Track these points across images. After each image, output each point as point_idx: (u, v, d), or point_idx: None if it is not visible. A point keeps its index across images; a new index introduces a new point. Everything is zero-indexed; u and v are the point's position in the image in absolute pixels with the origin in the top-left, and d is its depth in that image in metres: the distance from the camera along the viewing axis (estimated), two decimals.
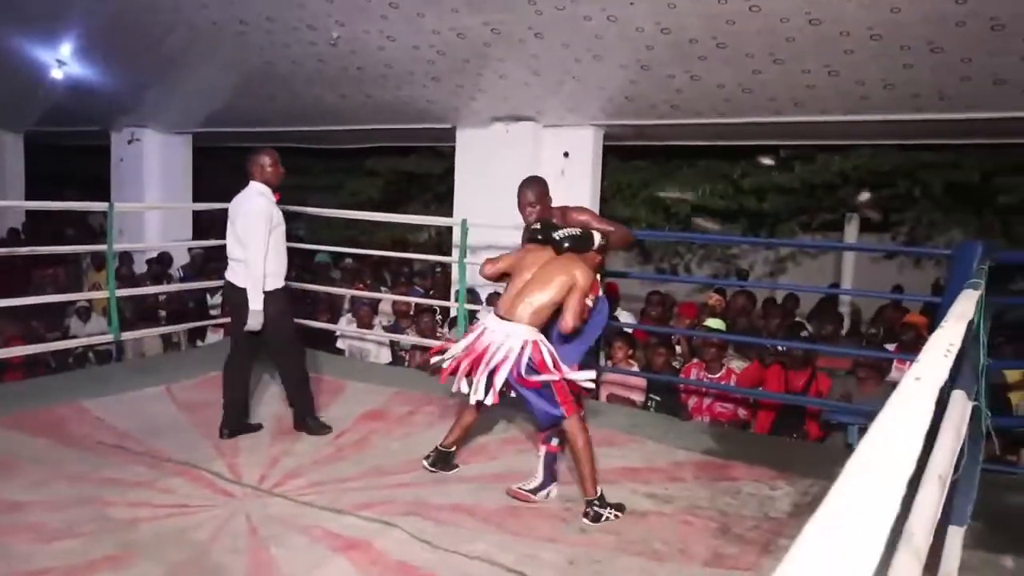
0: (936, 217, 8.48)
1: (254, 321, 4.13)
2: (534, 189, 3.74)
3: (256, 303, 4.11)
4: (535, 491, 3.55)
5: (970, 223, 8.23)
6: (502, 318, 3.47)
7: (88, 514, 3.19)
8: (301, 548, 3.00)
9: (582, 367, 3.54)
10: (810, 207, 9.00)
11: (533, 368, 3.35)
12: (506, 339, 3.37)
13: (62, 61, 8.24)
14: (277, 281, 4.22)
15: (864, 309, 8.10)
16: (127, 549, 2.91)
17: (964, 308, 1.42)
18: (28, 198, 11.72)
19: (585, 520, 3.33)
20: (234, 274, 4.22)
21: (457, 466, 3.87)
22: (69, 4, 7.24)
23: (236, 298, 4.20)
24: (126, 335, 5.98)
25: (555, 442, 3.64)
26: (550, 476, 3.61)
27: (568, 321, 3.38)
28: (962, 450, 2.15)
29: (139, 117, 9.92)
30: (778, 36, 5.24)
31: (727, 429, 4.93)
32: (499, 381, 3.35)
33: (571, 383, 3.40)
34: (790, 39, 5.23)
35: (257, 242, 4.08)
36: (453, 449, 3.85)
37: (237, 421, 4.30)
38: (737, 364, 5.44)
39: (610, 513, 3.36)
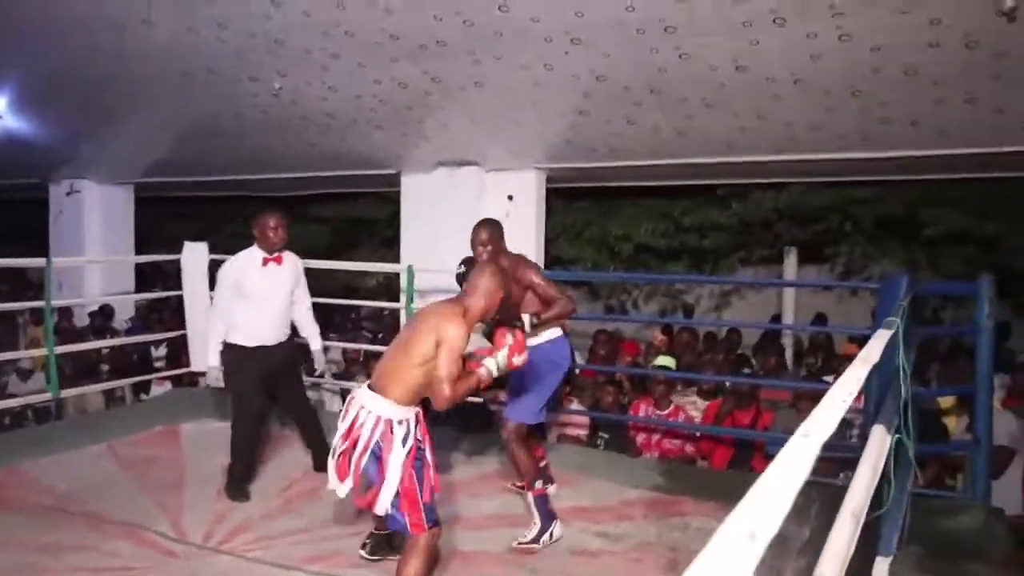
0: (868, 249, 8.80)
1: (211, 376, 4.29)
2: (487, 229, 3.77)
3: (211, 358, 4.26)
4: (537, 539, 3.51)
5: (898, 254, 8.56)
6: (370, 387, 2.87)
7: None
8: None
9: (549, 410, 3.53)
10: (748, 242, 9.26)
11: (376, 456, 2.74)
12: (366, 415, 2.79)
13: None
14: (238, 338, 4.21)
15: (806, 339, 8.33)
16: None
17: (870, 352, 1.52)
18: None
19: None
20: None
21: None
22: (4, 58, 7.16)
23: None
24: (66, 392, 5.83)
25: (539, 484, 3.62)
26: (548, 517, 3.58)
27: (437, 397, 2.75)
28: (889, 482, 2.25)
29: (78, 168, 9.78)
30: (708, 83, 5.46)
31: (676, 465, 4.99)
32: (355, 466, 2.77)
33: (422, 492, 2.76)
34: (720, 85, 5.45)
35: (214, 301, 4.30)
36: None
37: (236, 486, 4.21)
38: (687, 400, 5.55)
39: None
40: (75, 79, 7.27)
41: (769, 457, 4.82)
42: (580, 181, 8.28)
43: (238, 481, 4.19)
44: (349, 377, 6.55)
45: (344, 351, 6.98)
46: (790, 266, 9.18)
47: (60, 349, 5.86)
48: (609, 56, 5.36)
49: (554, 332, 3.78)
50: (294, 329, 4.51)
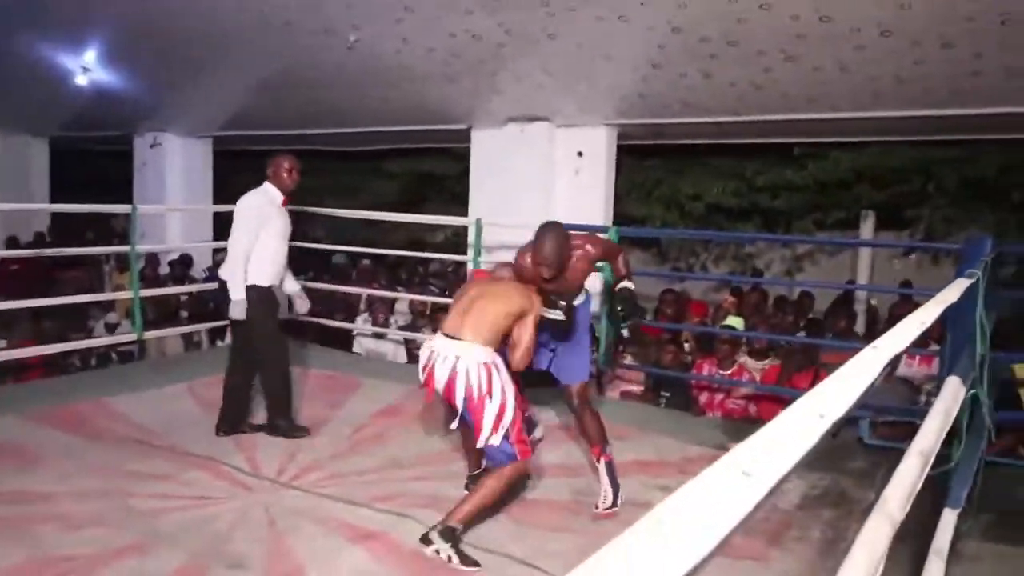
0: (952, 213, 8.43)
1: (236, 310, 4.15)
2: (551, 243, 3.25)
3: (236, 292, 4.13)
4: (615, 502, 3.49)
5: (985, 219, 8.17)
6: (450, 337, 3.13)
7: (113, 505, 3.29)
8: (318, 538, 3.08)
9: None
10: (824, 204, 8.98)
11: (484, 394, 3.02)
12: (464, 366, 3.04)
13: (86, 67, 8.39)
14: (262, 279, 4.21)
15: (881, 308, 8.07)
16: (151, 538, 3.01)
17: (948, 294, 1.47)
18: (53, 202, 11.96)
19: (427, 541, 2.90)
20: (222, 268, 4.31)
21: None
22: (93, 11, 7.38)
23: (221, 292, 4.24)
24: (148, 334, 6.11)
25: (608, 450, 3.56)
26: (616, 482, 3.53)
27: (520, 360, 3.18)
28: (959, 438, 2.19)
29: (161, 122, 10.08)
30: (789, 34, 5.27)
31: (739, 424, 4.96)
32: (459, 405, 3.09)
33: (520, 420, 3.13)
34: (801, 36, 5.25)
35: (237, 234, 4.16)
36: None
37: (234, 420, 4.33)
38: (751, 362, 5.48)
39: (451, 551, 2.87)
40: (159, 33, 7.45)
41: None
42: (651, 138, 8.13)
43: (287, 417, 4.33)
44: (415, 329, 6.66)
45: (411, 303, 7.08)
46: (867, 230, 8.87)
47: (144, 293, 6.13)
48: (686, 6, 5.22)
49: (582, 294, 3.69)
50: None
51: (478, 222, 5.89)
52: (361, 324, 6.96)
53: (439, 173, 10.92)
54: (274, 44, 7.09)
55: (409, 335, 6.59)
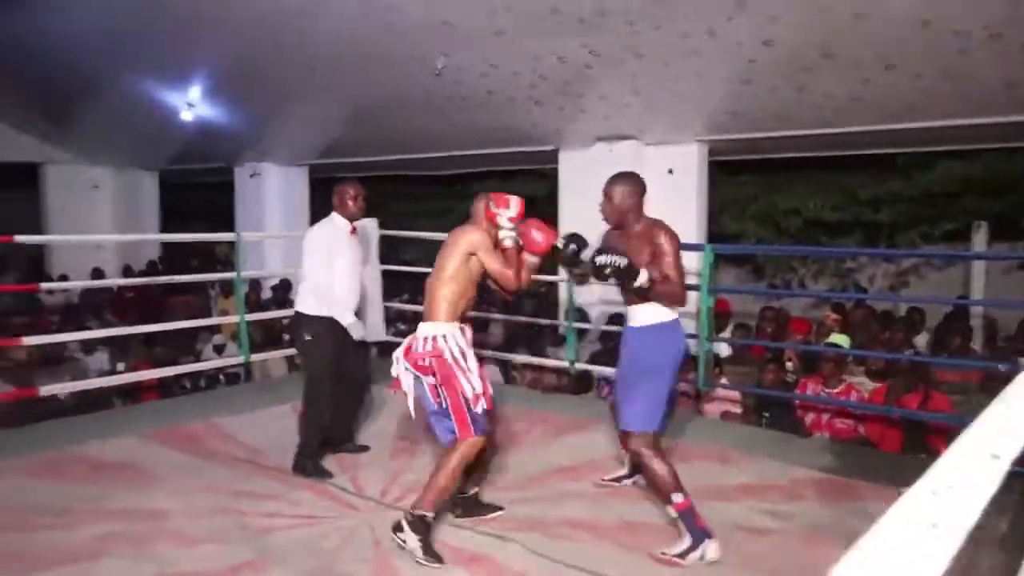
0: None
1: (356, 331, 4.18)
2: (617, 184, 3.38)
3: (346, 317, 4.14)
4: (684, 554, 3.08)
5: None
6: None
7: (226, 523, 3.41)
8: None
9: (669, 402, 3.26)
10: (931, 216, 8.59)
11: (426, 366, 3.14)
12: (417, 342, 3.19)
13: (191, 103, 8.85)
14: (320, 307, 4.14)
15: (1004, 324, 7.58)
16: (262, 555, 3.10)
17: None
18: (162, 232, 12.63)
19: (397, 528, 3.07)
20: (297, 300, 4.29)
21: (497, 508, 3.57)
22: (197, 50, 7.78)
23: (296, 323, 4.25)
24: (255, 357, 6.34)
25: (679, 498, 3.16)
26: (700, 534, 3.12)
27: (505, 285, 3.22)
28: None
29: (260, 152, 10.52)
30: (887, 41, 5.09)
31: (848, 447, 4.76)
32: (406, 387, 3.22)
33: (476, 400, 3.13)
34: (900, 44, 5.07)
35: (310, 267, 4.15)
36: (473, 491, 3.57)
37: (338, 441, 4.38)
38: (858, 381, 5.27)
39: (417, 542, 2.99)
40: (259, 68, 7.80)
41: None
42: (744, 153, 7.98)
43: (311, 457, 4.10)
44: (510, 350, 6.68)
45: (504, 324, 7.12)
46: (979, 242, 8.42)
47: (250, 317, 6.37)
48: (776, 19, 5.12)
49: (665, 315, 3.32)
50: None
51: None
52: None
53: (527, 194, 10.92)
54: (366, 74, 7.32)
55: (503, 355, 6.61)
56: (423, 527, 3.04)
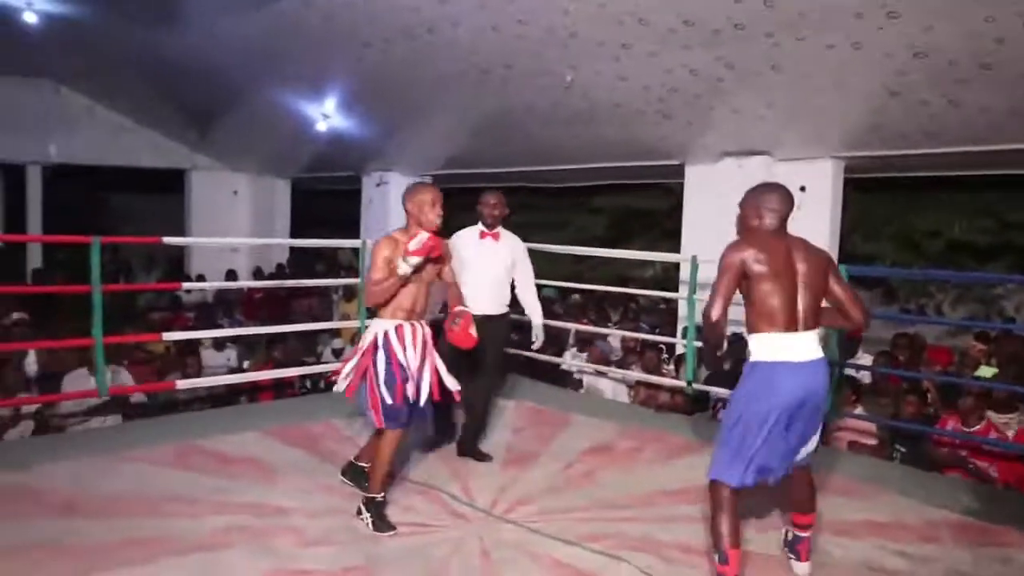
0: None
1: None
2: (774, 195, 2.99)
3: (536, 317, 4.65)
4: None
5: None
6: None
7: (340, 523, 3.46)
8: (531, 574, 3.04)
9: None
10: None
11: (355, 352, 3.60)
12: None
13: (326, 115, 9.20)
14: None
15: None
16: (374, 560, 3.12)
17: None
18: (292, 237, 13.21)
19: (358, 511, 3.48)
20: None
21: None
22: (333, 62, 8.08)
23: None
24: None
25: (716, 558, 2.84)
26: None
27: (366, 290, 3.51)
28: None
29: (386, 162, 10.82)
30: None
31: (989, 488, 4.38)
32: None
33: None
34: None
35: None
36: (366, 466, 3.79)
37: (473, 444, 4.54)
38: (1005, 420, 4.84)
39: (372, 520, 3.42)
40: (389, 81, 8.02)
41: None
42: (883, 171, 7.54)
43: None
44: (625, 366, 6.54)
45: (623, 340, 6.99)
46: None
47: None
48: (932, 28, 4.79)
49: (757, 353, 2.85)
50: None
51: (694, 259, 5.71)
52: (569, 359, 6.96)
53: (647, 208, 10.83)
54: (493, 87, 7.38)
55: (619, 372, 6.49)
56: (374, 505, 3.47)
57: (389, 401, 3.40)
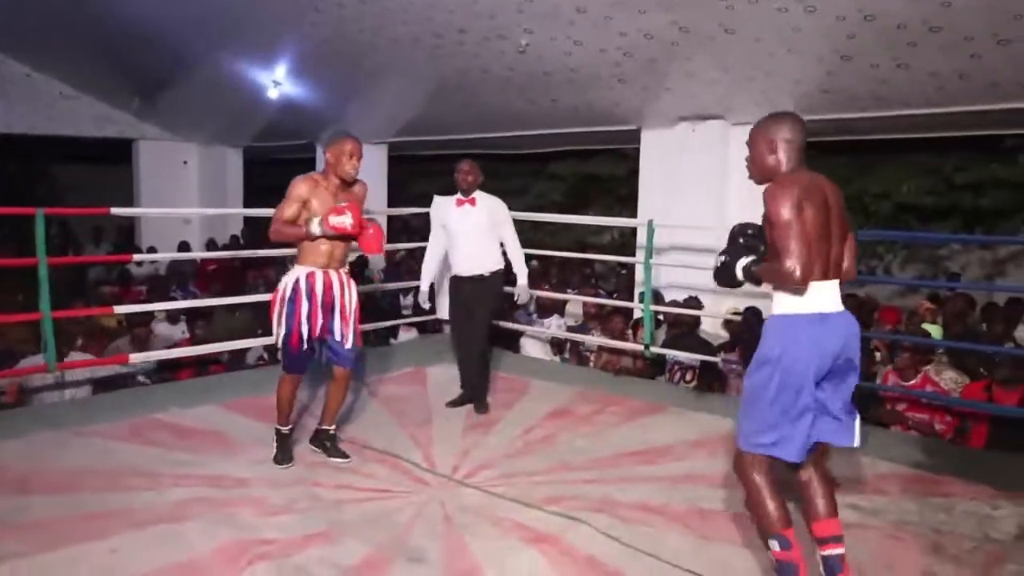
0: None
1: (420, 297, 5.05)
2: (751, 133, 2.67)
3: (422, 285, 4.99)
4: None
5: None
6: None
7: (302, 493, 3.46)
8: (493, 538, 3.08)
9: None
10: None
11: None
12: None
13: (277, 82, 9.00)
14: (452, 271, 4.89)
15: None
16: (337, 527, 3.12)
17: None
18: (245, 208, 12.97)
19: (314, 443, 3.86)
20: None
21: (344, 455, 3.90)
22: (284, 30, 7.90)
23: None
24: None
25: (776, 545, 2.47)
26: None
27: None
28: None
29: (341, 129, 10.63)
30: (1003, 15, 4.76)
31: (935, 441, 4.54)
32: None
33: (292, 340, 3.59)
34: (1018, 17, 4.74)
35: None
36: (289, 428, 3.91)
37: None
38: (946, 375, 5.00)
39: (334, 451, 3.80)
40: (341, 46, 7.87)
41: None
42: (835, 134, 7.64)
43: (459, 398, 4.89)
44: (586, 331, 6.59)
45: (584, 305, 7.03)
46: None
47: None
48: None
49: (785, 306, 2.50)
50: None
51: (650, 224, 5.75)
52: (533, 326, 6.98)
53: (605, 174, 10.84)
54: (448, 52, 7.29)
55: (577, 336, 6.54)
56: (279, 437, 3.78)
57: (291, 345, 3.61)
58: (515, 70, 7.30)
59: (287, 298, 3.60)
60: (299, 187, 3.59)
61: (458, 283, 4.83)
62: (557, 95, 7.62)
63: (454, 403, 4.85)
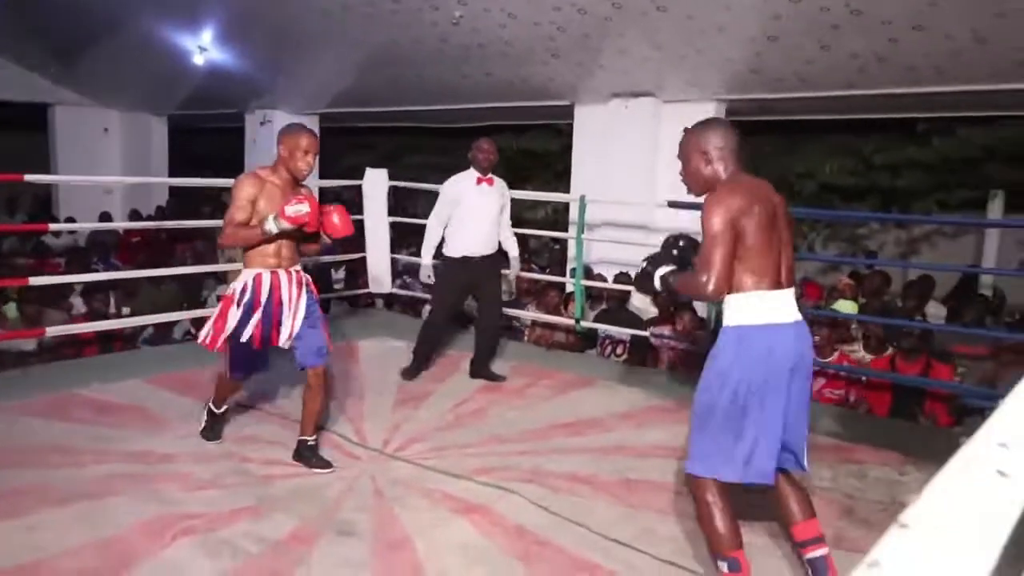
0: None
1: (421, 272, 4.93)
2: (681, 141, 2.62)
3: (424, 258, 4.86)
4: None
5: None
6: None
7: (230, 467, 3.42)
8: (424, 509, 3.11)
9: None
10: (949, 184, 8.45)
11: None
12: None
13: (203, 47, 8.71)
14: (448, 250, 4.77)
15: (1011, 296, 7.53)
16: (265, 501, 3.10)
17: None
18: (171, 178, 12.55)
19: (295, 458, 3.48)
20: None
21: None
22: None
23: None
24: None
25: (724, 567, 2.43)
26: None
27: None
28: None
29: (270, 99, 10.39)
30: (918, 1, 4.94)
31: (849, 412, 4.76)
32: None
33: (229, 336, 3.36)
34: (932, 3, 4.92)
35: (435, 211, 4.81)
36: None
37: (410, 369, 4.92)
38: (860, 352, 5.22)
39: (316, 462, 3.45)
40: (272, 13, 7.66)
41: (961, 409, 4.48)
42: (762, 114, 7.83)
43: (413, 367, 4.90)
44: (520, 306, 6.64)
45: (518, 279, 7.05)
46: (995, 211, 8.32)
47: None
48: None
49: (736, 317, 2.40)
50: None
51: (582, 199, 5.80)
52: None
53: (540, 150, 10.84)
54: (380, 21, 7.17)
55: (513, 312, 6.56)
56: (209, 417, 3.70)
57: (233, 351, 3.44)
58: (448, 42, 7.23)
59: (234, 307, 3.32)
60: (245, 187, 3.29)
61: (465, 263, 4.71)
62: (491, 69, 7.59)
63: (409, 372, 4.88)
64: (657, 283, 2.60)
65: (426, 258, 4.86)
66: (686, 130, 2.60)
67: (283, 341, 3.39)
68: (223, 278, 7.72)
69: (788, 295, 2.43)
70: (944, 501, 0.54)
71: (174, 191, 12.94)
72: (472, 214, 4.67)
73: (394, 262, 6.73)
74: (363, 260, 6.64)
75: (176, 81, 10.42)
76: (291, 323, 3.37)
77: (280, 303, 3.36)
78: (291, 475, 3.38)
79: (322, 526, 2.92)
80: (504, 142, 11.16)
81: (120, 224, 10.64)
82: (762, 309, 2.37)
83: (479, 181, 4.71)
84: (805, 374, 2.45)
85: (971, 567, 0.46)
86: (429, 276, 4.89)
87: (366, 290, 6.69)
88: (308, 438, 3.51)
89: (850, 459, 3.81)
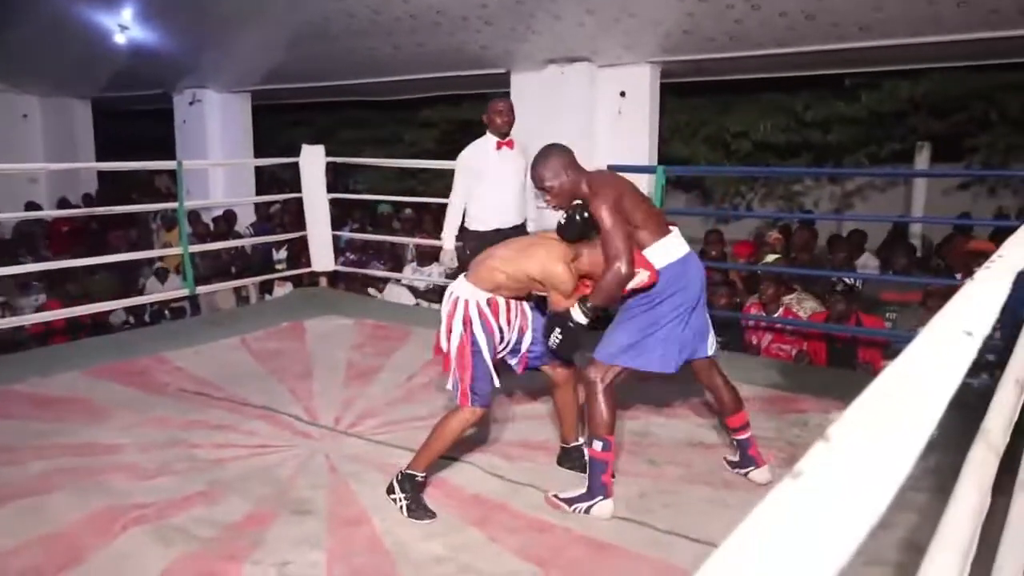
0: (1014, 141, 8.07)
1: (443, 258, 4.60)
2: (545, 167, 2.97)
3: (445, 241, 4.53)
4: (572, 501, 2.88)
5: None
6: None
7: (178, 455, 3.37)
8: (379, 484, 3.10)
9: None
10: (878, 137, 8.68)
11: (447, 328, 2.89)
12: (448, 295, 2.95)
13: (124, 26, 8.40)
14: (476, 224, 4.39)
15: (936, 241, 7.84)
16: (217, 486, 3.07)
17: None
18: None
19: (390, 489, 2.90)
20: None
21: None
22: None
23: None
24: (201, 289, 6.19)
25: (599, 446, 2.86)
26: (598, 488, 2.85)
27: (554, 303, 2.91)
28: None
29: (199, 78, 10.08)
30: None
31: (794, 365, 4.90)
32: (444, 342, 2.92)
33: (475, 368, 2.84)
34: None
35: (453, 188, 4.46)
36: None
37: None
38: (806, 305, 5.36)
39: (405, 499, 2.83)
40: None
41: (896, 353, 4.69)
42: (696, 75, 7.90)
43: None
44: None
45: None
46: (922, 162, 8.57)
47: (194, 248, 6.20)
48: None
49: (669, 252, 2.89)
50: None
51: None
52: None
53: (477, 119, 10.77)
54: None
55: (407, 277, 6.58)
56: (412, 483, 2.87)
57: (480, 380, 2.86)
58: (381, 14, 7.10)
59: (478, 326, 2.86)
60: (556, 263, 2.86)
61: (489, 238, 3.98)
62: (424, 39, 7.49)
63: None
64: (582, 319, 2.83)
65: (448, 241, 4.47)
66: (546, 151, 3.02)
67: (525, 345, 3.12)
68: (161, 274, 7.56)
69: (677, 233, 3.00)
70: (864, 417, 0.59)
71: (103, 177, 12.50)
72: (497, 183, 4.28)
73: (336, 239, 6.65)
74: (303, 239, 6.55)
75: (98, 62, 10.02)
76: (521, 326, 3.09)
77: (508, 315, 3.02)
78: (242, 457, 3.35)
79: (277, 506, 2.91)
80: (440, 114, 11.10)
81: (48, 212, 10.26)
82: (672, 249, 2.92)
83: (499, 146, 4.31)
84: (702, 294, 3.04)
85: (886, 475, 0.50)
86: (453, 259, 4.50)
87: (309, 269, 6.61)
88: (576, 442, 3.22)
89: (793, 409, 3.94)
